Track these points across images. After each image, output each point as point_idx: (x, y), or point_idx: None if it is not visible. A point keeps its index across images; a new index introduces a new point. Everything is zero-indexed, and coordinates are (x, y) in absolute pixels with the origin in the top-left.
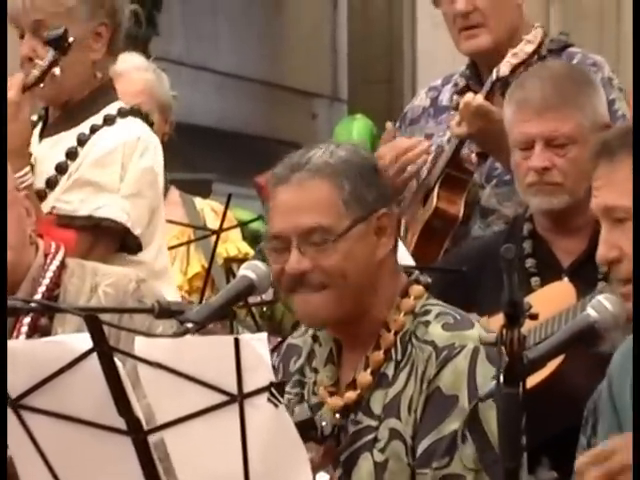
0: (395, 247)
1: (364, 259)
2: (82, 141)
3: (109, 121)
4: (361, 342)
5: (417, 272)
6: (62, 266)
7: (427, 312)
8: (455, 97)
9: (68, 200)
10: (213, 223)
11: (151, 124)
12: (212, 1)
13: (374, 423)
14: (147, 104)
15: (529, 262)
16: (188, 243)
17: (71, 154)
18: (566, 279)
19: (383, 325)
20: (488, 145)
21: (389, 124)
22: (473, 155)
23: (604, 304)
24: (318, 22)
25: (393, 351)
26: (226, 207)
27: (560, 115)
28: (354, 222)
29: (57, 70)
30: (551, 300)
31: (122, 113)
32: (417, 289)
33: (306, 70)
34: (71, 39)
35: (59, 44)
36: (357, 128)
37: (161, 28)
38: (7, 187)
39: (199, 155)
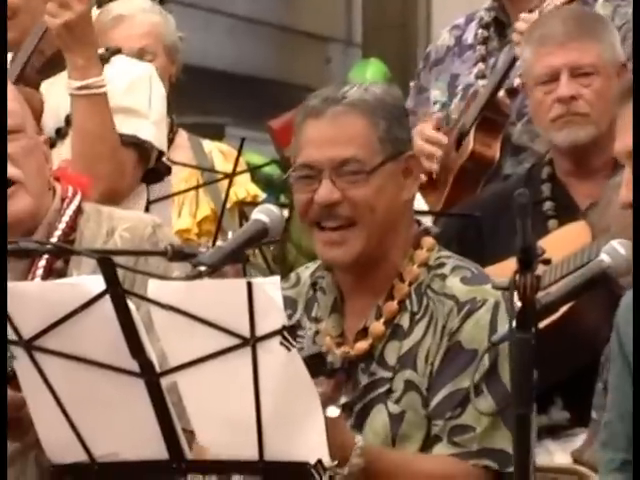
0: (414, 194)
1: (392, 198)
2: None
3: (103, 60)
4: (370, 290)
5: (426, 222)
6: (79, 210)
7: (441, 265)
8: (480, 31)
9: None
10: (221, 165)
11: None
12: None
13: (388, 374)
14: (153, 46)
15: (547, 205)
16: (199, 187)
17: None
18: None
19: (397, 275)
20: None
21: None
22: (501, 92)
23: (618, 249)
24: None
25: (408, 302)
26: (239, 151)
27: (583, 45)
28: (387, 158)
29: None
30: (567, 241)
31: (111, 52)
32: (429, 241)
33: (320, 14)
34: None
35: None
36: (371, 72)
37: None
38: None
39: (212, 99)
